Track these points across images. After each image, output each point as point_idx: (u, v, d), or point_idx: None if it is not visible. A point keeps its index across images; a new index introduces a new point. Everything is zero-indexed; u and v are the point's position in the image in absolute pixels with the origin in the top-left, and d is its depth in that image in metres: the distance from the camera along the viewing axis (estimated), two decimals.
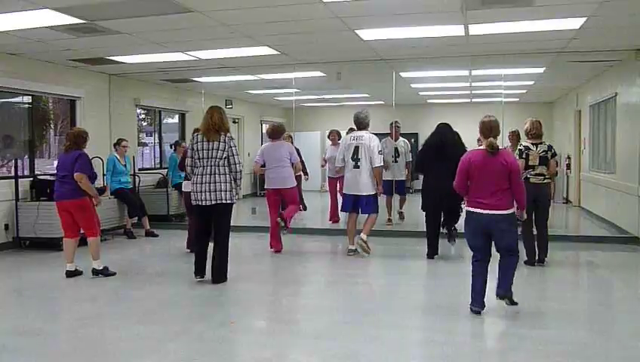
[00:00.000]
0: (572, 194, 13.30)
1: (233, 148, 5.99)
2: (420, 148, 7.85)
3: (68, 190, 6.31)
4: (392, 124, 10.21)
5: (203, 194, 5.94)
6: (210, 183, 5.92)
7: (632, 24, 6.75)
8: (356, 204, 7.44)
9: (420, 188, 7.52)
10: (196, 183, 6.00)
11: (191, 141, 6.17)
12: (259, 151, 8.07)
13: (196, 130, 6.20)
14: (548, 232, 6.88)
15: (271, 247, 7.84)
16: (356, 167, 7.36)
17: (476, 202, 4.82)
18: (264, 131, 17.03)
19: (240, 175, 6.09)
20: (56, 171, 6.67)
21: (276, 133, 7.92)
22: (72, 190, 6.29)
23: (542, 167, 6.66)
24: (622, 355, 4.14)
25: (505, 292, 4.90)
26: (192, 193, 6.06)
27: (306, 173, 10.26)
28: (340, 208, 7.76)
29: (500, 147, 4.86)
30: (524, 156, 6.63)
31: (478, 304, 4.89)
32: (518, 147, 6.88)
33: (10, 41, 7.31)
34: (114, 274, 6.47)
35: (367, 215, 7.48)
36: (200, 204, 5.98)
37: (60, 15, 6.05)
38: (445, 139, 7.13)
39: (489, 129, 4.88)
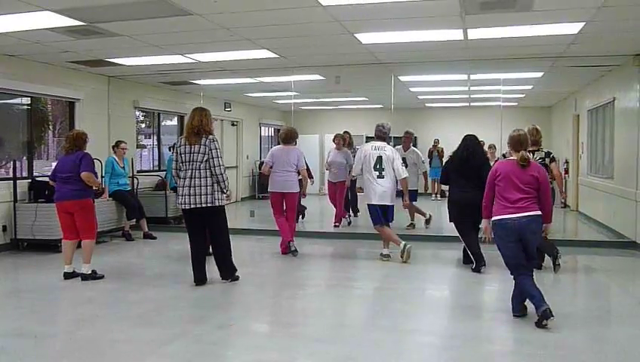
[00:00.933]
0: (570, 199, 13.31)
1: (214, 150, 5.89)
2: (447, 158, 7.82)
3: (70, 190, 6.31)
4: (406, 133, 10.19)
5: (184, 198, 5.94)
6: (190, 187, 5.89)
7: (630, 29, 6.78)
8: (382, 212, 7.46)
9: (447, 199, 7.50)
10: (179, 187, 6.02)
11: (176, 145, 6.18)
12: (269, 152, 8.09)
13: None
14: (547, 238, 6.88)
15: (286, 240, 7.78)
16: (381, 176, 7.36)
17: (504, 208, 4.85)
18: (263, 134, 17.09)
19: (221, 178, 5.93)
20: (52, 173, 6.66)
21: (289, 137, 7.91)
22: (75, 190, 6.30)
23: None
24: (619, 360, 4.14)
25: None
26: (177, 197, 6.07)
27: (311, 177, 10.01)
28: (373, 222, 7.65)
29: (530, 160, 4.95)
30: None
31: (544, 301, 4.67)
32: None
33: (9, 43, 7.31)
34: (102, 276, 6.45)
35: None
36: (182, 207, 6.00)
37: (59, 17, 6.06)
38: (473, 151, 7.05)
39: (519, 143, 5.00)
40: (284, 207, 7.88)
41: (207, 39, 7.30)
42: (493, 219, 4.95)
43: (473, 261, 6.81)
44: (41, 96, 9.30)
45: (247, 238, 9.38)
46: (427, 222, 10.06)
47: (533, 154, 6.69)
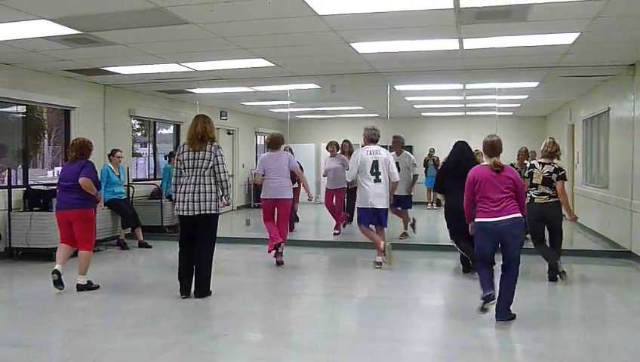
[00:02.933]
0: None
1: (219, 157, 5.88)
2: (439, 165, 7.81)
3: (72, 199, 6.22)
4: (394, 138, 10.13)
5: (186, 204, 5.84)
6: (194, 193, 5.82)
7: (624, 40, 6.82)
8: (374, 216, 7.46)
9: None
10: (180, 193, 5.91)
11: (177, 152, 6.14)
12: (259, 161, 8.03)
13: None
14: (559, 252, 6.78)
15: (270, 251, 7.73)
16: (377, 180, 7.37)
17: (486, 212, 4.97)
18: (259, 143, 17.09)
19: (226, 184, 5.93)
20: (59, 181, 6.57)
21: (275, 143, 7.88)
22: (77, 199, 6.21)
23: (544, 187, 6.59)
24: None
25: (506, 315, 4.99)
26: (175, 203, 5.99)
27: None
28: (357, 222, 7.67)
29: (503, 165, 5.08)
30: (526, 175, 6.68)
31: (491, 288, 4.97)
32: (527, 165, 7.06)
33: (5, 51, 7.31)
34: (97, 287, 6.38)
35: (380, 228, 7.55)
36: (182, 214, 5.89)
37: (55, 26, 6.06)
38: (464, 158, 6.99)
39: (492, 148, 5.13)
40: (276, 216, 7.78)
41: (204, 48, 7.31)
42: (477, 220, 5.05)
43: (471, 263, 6.84)
44: (37, 104, 9.29)
45: (242, 247, 9.36)
46: (412, 226, 9.94)
47: (542, 167, 6.66)
